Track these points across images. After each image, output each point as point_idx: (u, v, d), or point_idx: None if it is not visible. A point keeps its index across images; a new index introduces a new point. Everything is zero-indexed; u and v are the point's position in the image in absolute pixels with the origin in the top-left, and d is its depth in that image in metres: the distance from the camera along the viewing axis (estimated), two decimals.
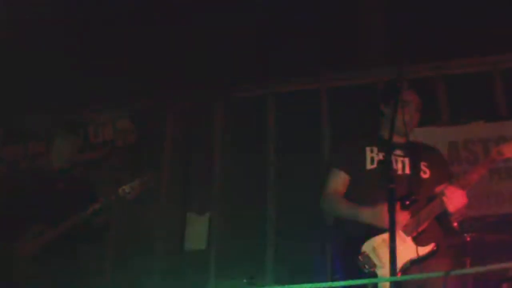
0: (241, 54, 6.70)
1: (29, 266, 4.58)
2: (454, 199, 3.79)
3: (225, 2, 6.88)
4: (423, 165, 4.04)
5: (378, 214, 3.74)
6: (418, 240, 3.78)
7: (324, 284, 2.91)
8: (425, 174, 4.02)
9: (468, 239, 5.02)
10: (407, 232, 3.78)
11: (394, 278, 3.19)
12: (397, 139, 3.99)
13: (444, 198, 3.80)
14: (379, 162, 3.98)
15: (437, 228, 3.96)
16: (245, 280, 5.18)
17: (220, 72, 6.75)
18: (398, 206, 3.77)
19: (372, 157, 4.07)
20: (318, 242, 6.21)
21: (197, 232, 6.91)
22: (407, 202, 3.83)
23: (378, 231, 3.76)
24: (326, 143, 6.82)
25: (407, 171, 4.00)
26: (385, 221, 3.48)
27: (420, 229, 3.81)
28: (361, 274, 3.70)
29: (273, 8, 6.97)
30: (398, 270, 3.64)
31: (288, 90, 7.12)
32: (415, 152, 4.09)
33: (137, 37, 6.88)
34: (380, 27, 7.05)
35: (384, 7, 7.19)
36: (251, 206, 6.72)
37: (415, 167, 4.01)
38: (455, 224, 4.11)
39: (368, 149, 4.10)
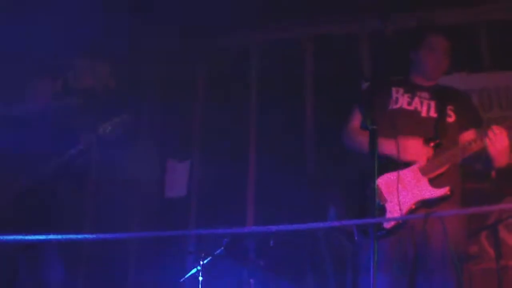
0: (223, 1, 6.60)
1: (6, 210, 4.53)
2: (497, 141, 3.69)
3: None
4: (449, 109, 4.00)
5: (401, 146, 3.74)
6: (434, 182, 3.77)
7: (302, 226, 2.92)
8: (451, 118, 3.99)
9: None
10: (424, 172, 3.77)
11: (375, 220, 3.19)
12: (424, 82, 4.11)
13: (487, 140, 3.70)
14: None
15: (456, 174, 3.93)
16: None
17: (202, 17, 6.65)
18: (422, 140, 3.81)
19: (397, 97, 4.06)
20: (299, 187, 6.23)
21: (178, 179, 6.90)
22: (431, 144, 3.82)
23: (395, 167, 3.75)
24: (309, 92, 6.81)
25: (432, 113, 3.98)
26: (408, 154, 3.71)
27: (438, 172, 3.79)
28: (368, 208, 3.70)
29: None
30: (408, 207, 3.69)
31: (271, 38, 7.08)
32: (443, 95, 4.06)
33: None
34: None
35: None
36: (231, 152, 6.71)
37: (440, 111, 3.98)
38: (493, 173, 4.10)
39: (394, 89, 4.10)
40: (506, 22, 6.49)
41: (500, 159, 3.80)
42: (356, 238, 3.83)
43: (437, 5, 6.50)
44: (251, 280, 5.28)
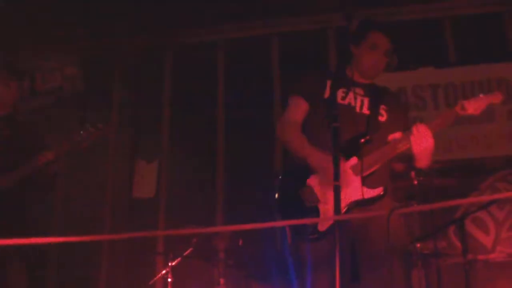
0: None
1: None
2: (422, 139, 3.64)
3: None
4: (382, 108, 3.95)
5: (325, 166, 3.58)
6: (367, 182, 3.66)
7: (269, 224, 2.91)
8: (382, 117, 3.93)
9: (415, 182, 5.03)
10: (355, 172, 3.68)
11: (337, 217, 3.17)
12: (361, 79, 4.01)
13: (412, 137, 3.66)
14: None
15: (387, 172, 3.87)
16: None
17: (169, 16, 6.62)
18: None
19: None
20: (267, 190, 6.21)
21: (146, 180, 6.86)
22: (362, 141, 3.74)
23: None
24: (277, 89, 6.81)
25: (365, 110, 3.92)
26: (327, 174, 3.46)
27: (370, 171, 3.71)
28: (303, 209, 3.65)
29: None
30: (341, 208, 3.63)
31: (237, 36, 7.06)
32: (377, 94, 4.00)
33: None
34: None
35: None
36: (200, 154, 6.69)
37: (373, 109, 3.92)
38: (413, 173, 4.03)
39: (329, 82, 3.96)
40: (472, 17, 6.56)
41: (421, 159, 3.77)
42: (290, 240, 3.79)
43: (403, 1, 6.54)
44: (221, 280, 5.26)
